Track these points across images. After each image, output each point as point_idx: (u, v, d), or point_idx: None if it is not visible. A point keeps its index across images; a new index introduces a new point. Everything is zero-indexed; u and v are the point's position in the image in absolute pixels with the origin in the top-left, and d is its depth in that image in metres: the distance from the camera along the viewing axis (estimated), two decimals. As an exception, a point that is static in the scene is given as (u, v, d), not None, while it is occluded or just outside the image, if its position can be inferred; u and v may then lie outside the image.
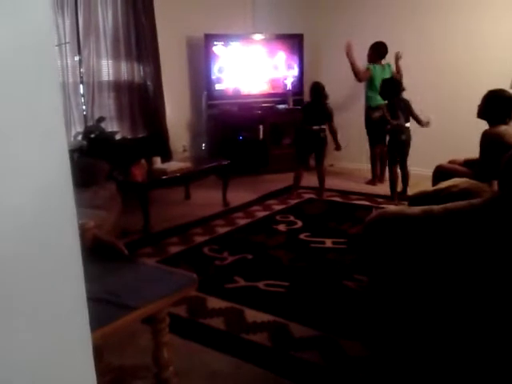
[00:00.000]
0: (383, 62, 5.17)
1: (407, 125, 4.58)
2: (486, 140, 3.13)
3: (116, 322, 1.39)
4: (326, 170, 4.99)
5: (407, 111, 4.55)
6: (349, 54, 5.10)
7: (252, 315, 2.55)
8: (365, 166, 5.52)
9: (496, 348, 1.85)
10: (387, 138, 4.78)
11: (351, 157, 5.82)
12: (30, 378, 0.70)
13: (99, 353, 1.76)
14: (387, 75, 5.10)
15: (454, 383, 1.90)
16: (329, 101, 4.79)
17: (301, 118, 4.83)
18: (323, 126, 4.75)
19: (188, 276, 1.71)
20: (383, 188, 5.02)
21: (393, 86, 4.57)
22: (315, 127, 4.71)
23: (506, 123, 3.15)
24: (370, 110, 5.19)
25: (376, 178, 5.38)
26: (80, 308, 0.77)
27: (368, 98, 5.22)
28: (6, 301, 0.65)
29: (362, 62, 5.16)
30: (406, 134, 4.57)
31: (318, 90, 4.75)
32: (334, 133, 4.80)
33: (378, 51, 5.12)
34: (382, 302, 2.31)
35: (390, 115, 4.56)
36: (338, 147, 4.83)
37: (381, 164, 5.37)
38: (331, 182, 5.15)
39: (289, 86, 6.14)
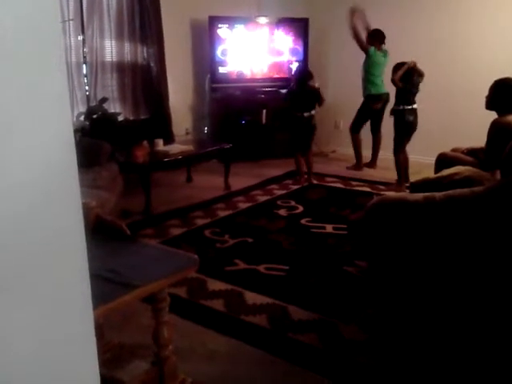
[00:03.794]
0: (383, 47, 5.10)
1: (415, 106, 4.56)
2: (495, 129, 3.11)
3: (117, 300, 1.40)
4: (312, 155, 4.99)
5: (417, 91, 4.54)
6: (352, 23, 5.00)
7: (252, 297, 2.57)
8: (367, 152, 5.51)
9: (494, 337, 1.86)
10: (389, 126, 4.77)
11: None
12: (33, 354, 0.71)
13: (100, 330, 1.78)
14: (386, 62, 5.04)
15: (451, 370, 1.92)
16: (317, 83, 4.81)
17: (288, 104, 4.82)
18: (313, 112, 4.74)
19: (189, 257, 1.72)
20: (381, 173, 5.06)
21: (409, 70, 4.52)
22: (306, 114, 4.71)
23: None
24: (370, 98, 5.13)
25: (361, 163, 5.40)
26: (83, 286, 0.77)
27: (368, 86, 5.14)
28: (10, 277, 0.65)
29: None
30: (417, 116, 4.55)
31: (306, 73, 4.78)
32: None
33: (376, 37, 5.05)
34: (382, 288, 2.33)
35: (400, 97, 4.54)
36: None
37: (375, 150, 5.38)
38: (332, 169, 5.15)
39: (293, 71, 6.08)
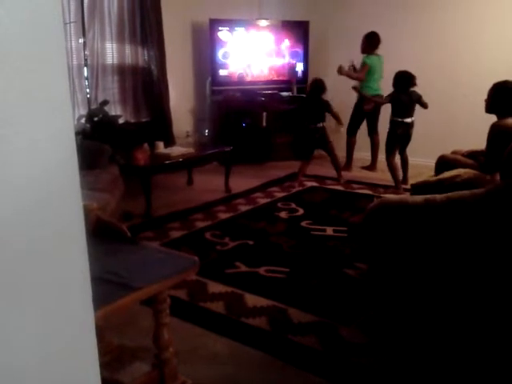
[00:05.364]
0: (377, 52, 5.13)
1: (412, 119, 4.54)
2: (494, 132, 3.11)
3: (117, 302, 1.40)
4: (338, 158, 5.07)
5: (414, 105, 4.52)
6: (343, 73, 5.14)
7: (252, 300, 2.57)
8: (366, 155, 5.51)
9: (495, 338, 1.86)
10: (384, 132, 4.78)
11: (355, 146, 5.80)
12: (33, 356, 0.71)
13: (100, 332, 1.78)
14: (382, 65, 5.08)
15: (452, 372, 1.92)
16: (326, 94, 4.91)
17: (300, 115, 4.87)
18: (324, 124, 4.83)
19: (190, 259, 1.72)
20: (381, 176, 5.05)
21: (406, 79, 4.49)
22: (319, 125, 4.80)
23: None
24: (363, 99, 5.16)
25: (350, 165, 5.45)
26: (84, 288, 0.78)
27: (363, 88, 5.17)
28: (10, 279, 0.65)
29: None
30: (409, 129, 4.55)
31: (319, 86, 4.83)
32: (336, 117, 4.89)
33: (372, 41, 5.08)
34: (382, 290, 2.33)
35: (395, 109, 4.53)
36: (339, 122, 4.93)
37: (374, 153, 5.40)
38: (333, 171, 5.14)
39: (293, 74, 6.10)
